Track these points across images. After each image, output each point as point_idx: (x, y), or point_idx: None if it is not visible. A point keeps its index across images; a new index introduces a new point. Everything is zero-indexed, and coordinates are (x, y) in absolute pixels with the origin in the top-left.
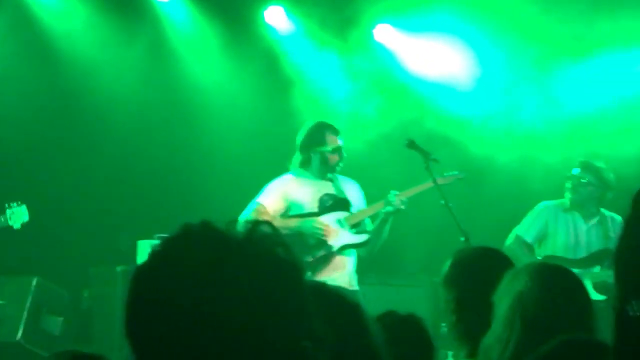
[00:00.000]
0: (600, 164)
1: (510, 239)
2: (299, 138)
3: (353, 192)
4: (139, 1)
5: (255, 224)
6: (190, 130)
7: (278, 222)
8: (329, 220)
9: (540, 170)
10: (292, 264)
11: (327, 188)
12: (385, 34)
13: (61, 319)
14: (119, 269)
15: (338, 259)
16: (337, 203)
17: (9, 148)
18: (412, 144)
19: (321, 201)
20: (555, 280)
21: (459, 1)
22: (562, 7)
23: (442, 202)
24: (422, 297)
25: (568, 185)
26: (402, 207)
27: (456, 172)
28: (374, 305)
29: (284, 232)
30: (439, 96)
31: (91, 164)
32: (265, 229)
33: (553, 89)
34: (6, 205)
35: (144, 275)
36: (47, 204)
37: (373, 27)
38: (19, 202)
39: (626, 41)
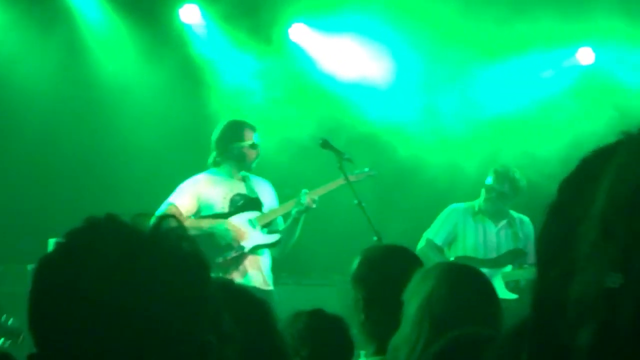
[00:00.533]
0: (514, 174)
1: (421, 243)
2: (215, 135)
3: (265, 191)
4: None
5: (161, 218)
6: (104, 129)
7: (189, 223)
8: (240, 221)
9: (460, 174)
10: (197, 259)
11: (239, 188)
12: (300, 33)
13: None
14: (29, 267)
15: (251, 259)
16: (248, 203)
17: None
18: (325, 144)
19: (232, 201)
20: (463, 280)
21: (377, 2)
22: (479, 9)
23: (356, 201)
24: (335, 297)
25: (483, 193)
26: (313, 205)
27: (367, 169)
28: (287, 305)
29: (195, 232)
30: (356, 97)
31: (1, 161)
32: (171, 223)
33: (471, 90)
34: None
35: (47, 267)
36: None
37: (289, 26)
38: None
39: (543, 42)
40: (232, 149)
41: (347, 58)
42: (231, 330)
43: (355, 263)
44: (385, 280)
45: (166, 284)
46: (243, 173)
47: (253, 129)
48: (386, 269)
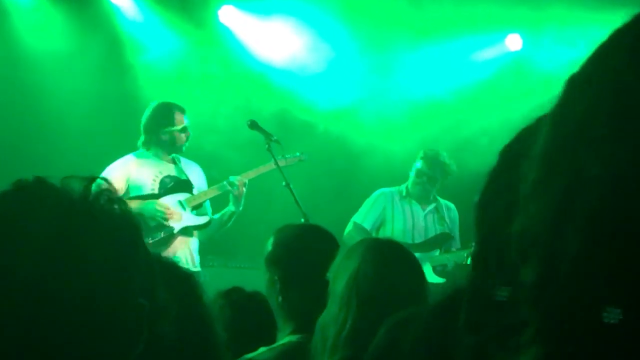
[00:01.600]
0: (443, 157)
1: (349, 227)
2: (145, 118)
3: (195, 173)
4: None
5: (91, 180)
6: (33, 109)
7: None
8: (169, 202)
9: (383, 156)
10: (128, 220)
11: (169, 169)
12: (230, 15)
13: None
14: None
15: (180, 239)
16: (178, 185)
17: None
18: (254, 125)
19: (162, 183)
20: (389, 256)
21: None
22: None
23: (284, 183)
24: (262, 279)
25: (412, 176)
26: (243, 189)
27: (298, 154)
28: (213, 287)
29: None
30: (284, 79)
31: None
32: (102, 186)
33: (402, 74)
34: None
35: None
36: None
37: (218, 8)
38: None
39: (474, 27)
40: (162, 133)
41: (274, 40)
42: (165, 300)
43: (269, 244)
44: (299, 259)
45: (97, 246)
46: (173, 155)
47: (183, 111)
48: (300, 249)
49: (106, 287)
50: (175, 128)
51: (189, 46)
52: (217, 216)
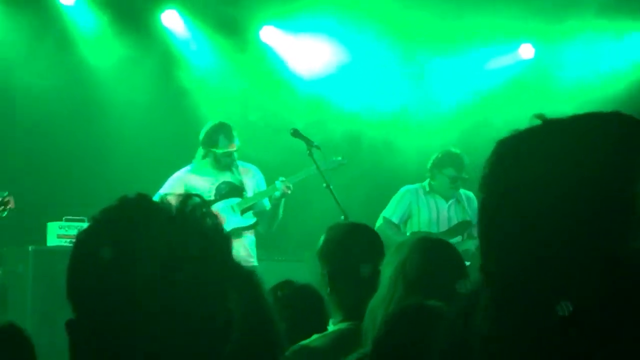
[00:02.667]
0: (457, 153)
1: (379, 222)
2: (201, 134)
3: (250, 176)
4: (46, 4)
5: (187, 196)
6: (97, 123)
7: None
8: (221, 207)
9: (413, 154)
10: (219, 232)
11: (225, 176)
12: (270, 35)
13: None
14: (30, 248)
15: (236, 236)
16: (232, 190)
17: None
18: (296, 133)
19: (218, 189)
20: (434, 249)
21: (337, 4)
22: (425, 4)
23: (324, 185)
24: (306, 271)
25: (430, 173)
26: (288, 192)
27: (339, 158)
28: (265, 278)
29: None
30: (320, 88)
31: (3, 153)
32: (195, 201)
33: (426, 81)
34: None
35: (84, 241)
36: None
37: (260, 28)
38: None
39: (490, 38)
40: (215, 148)
41: (314, 56)
42: (235, 300)
43: (321, 240)
44: (347, 255)
45: (193, 257)
46: (229, 162)
47: (230, 136)
48: (347, 246)
49: (203, 293)
50: (217, 151)
51: (234, 63)
52: (268, 210)
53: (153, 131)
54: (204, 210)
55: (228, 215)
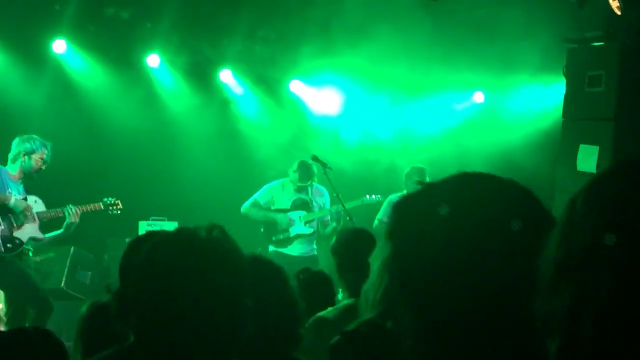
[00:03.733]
0: (420, 166)
1: (375, 222)
2: (290, 170)
3: (318, 196)
4: (138, 66)
5: (212, 227)
6: (173, 150)
7: (263, 212)
8: (293, 216)
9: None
10: (235, 252)
11: (302, 193)
12: (297, 87)
13: (89, 273)
14: (126, 239)
15: (296, 238)
16: (303, 204)
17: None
18: (315, 158)
19: (294, 202)
20: None
21: (343, 67)
22: (406, 61)
23: (335, 194)
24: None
25: (404, 183)
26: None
27: (380, 197)
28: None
29: (265, 219)
30: (330, 123)
31: (110, 169)
32: (218, 230)
33: (408, 118)
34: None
35: (132, 248)
36: (89, 196)
37: (289, 82)
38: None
39: (453, 87)
40: (295, 175)
41: (329, 101)
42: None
43: (333, 240)
44: (351, 251)
45: (216, 269)
46: (308, 183)
47: (309, 166)
48: (352, 244)
49: (225, 290)
50: (304, 179)
51: (270, 106)
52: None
53: (215, 155)
54: (222, 236)
55: (296, 222)
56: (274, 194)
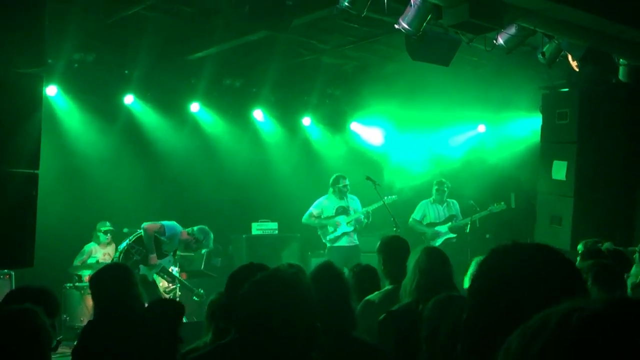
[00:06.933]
0: (446, 181)
1: (411, 219)
2: (330, 180)
3: (354, 204)
4: (247, 119)
5: (291, 266)
6: (267, 172)
7: (317, 221)
8: (339, 220)
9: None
10: (307, 286)
11: (342, 203)
12: (356, 126)
13: (220, 259)
14: (244, 236)
15: (344, 234)
16: (343, 210)
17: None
18: (368, 178)
19: (337, 210)
20: (433, 253)
21: (379, 112)
22: (420, 107)
23: (380, 202)
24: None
25: (434, 191)
26: (369, 217)
27: (395, 197)
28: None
29: (319, 224)
30: (378, 150)
31: (229, 188)
32: (296, 268)
33: (430, 147)
34: None
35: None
36: (211, 207)
37: (350, 123)
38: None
39: (462, 121)
40: (336, 188)
41: (374, 136)
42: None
43: (378, 243)
44: (390, 252)
45: (296, 300)
46: (344, 195)
47: (344, 178)
48: (391, 247)
49: (300, 315)
50: (341, 185)
51: (338, 144)
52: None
53: (298, 173)
54: (297, 271)
55: (342, 223)
56: (322, 206)
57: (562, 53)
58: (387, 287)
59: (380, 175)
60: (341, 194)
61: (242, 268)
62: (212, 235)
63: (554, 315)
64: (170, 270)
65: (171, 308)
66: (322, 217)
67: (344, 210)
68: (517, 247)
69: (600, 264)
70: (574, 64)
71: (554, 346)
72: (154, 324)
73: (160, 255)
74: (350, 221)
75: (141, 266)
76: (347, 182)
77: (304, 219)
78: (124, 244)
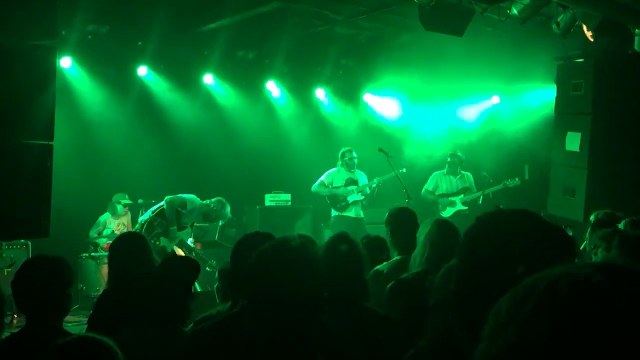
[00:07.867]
0: (460, 153)
1: (423, 190)
2: (339, 154)
3: (361, 177)
4: (261, 93)
5: (300, 236)
6: (281, 144)
7: (328, 189)
8: (349, 189)
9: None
10: (314, 258)
11: (351, 175)
12: (369, 98)
13: (234, 229)
14: (257, 207)
15: (354, 204)
16: (352, 182)
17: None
18: (381, 150)
19: (346, 181)
20: (443, 225)
21: (394, 83)
22: (438, 79)
23: (393, 173)
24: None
25: (448, 162)
26: (380, 184)
27: (403, 170)
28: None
29: (330, 194)
30: (391, 123)
31: (242, 161)
32: (304, 239)
33: (445, 118)
34: None
35: (240, 243)
36: (224, 179)
37: (363, 94)
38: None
39: (477, 92)
40: (345, 160)
41: (387, 107)
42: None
43: (386, 215)
44: (398, 223)
45: (302, 269)
46: (353, 169)
47: (352, 151)
48: (399, 218)
49: (307, 286)
50: (347, 158)
51: (351, 116)
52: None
53: (311, 145)
54: (307, 242)
55: (352, 193)
56: (332, 176)
57: (577, 23)
58: (396, 257)
59: (393, 147)
60: (349, 167)
61: (248, 236)
62: (229, 207)
63: (542, 280)
64: (187, 242)
65: (187, 264)
66: (332, 185)
67: (352, 182)
68: (500, 213)
69: (620, 231)
70: (588, 34)
71: (542, 311)
72: (169, 277)
73: (180, 228)
74: (362, 190)
75: (162, 238)
76: (354, 154)
77: (314, 187)
78: (146, 216)
